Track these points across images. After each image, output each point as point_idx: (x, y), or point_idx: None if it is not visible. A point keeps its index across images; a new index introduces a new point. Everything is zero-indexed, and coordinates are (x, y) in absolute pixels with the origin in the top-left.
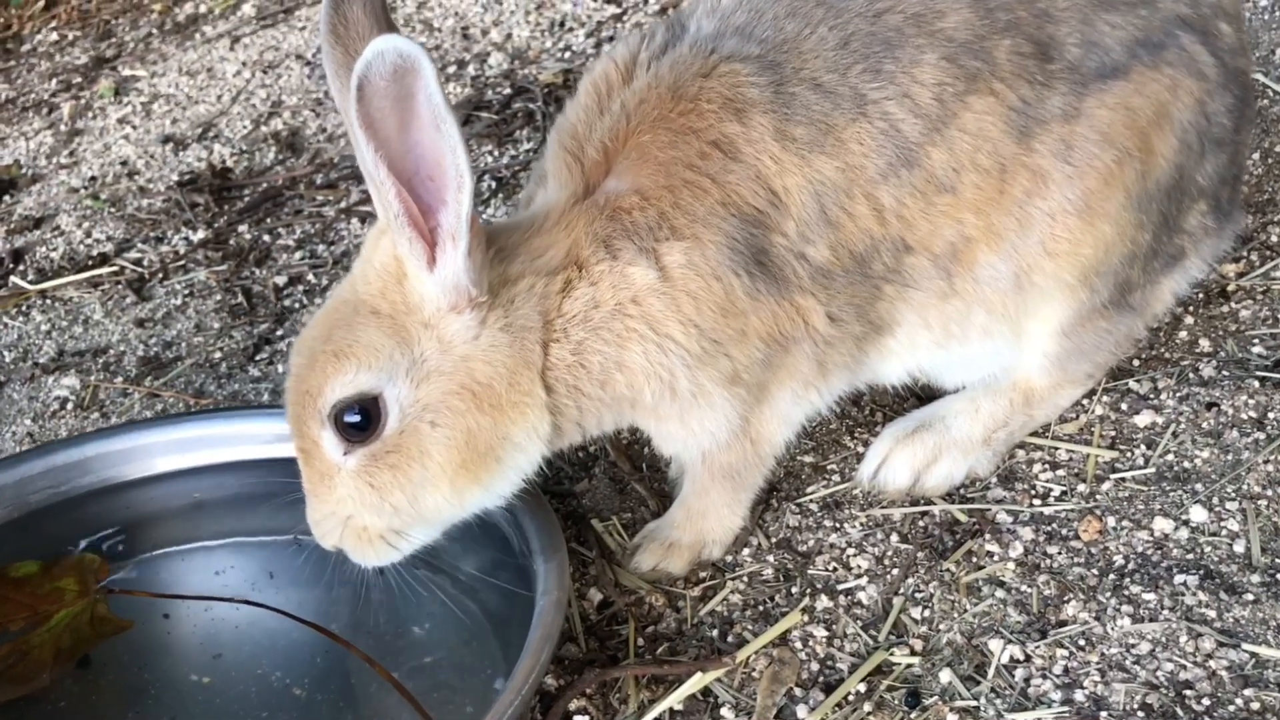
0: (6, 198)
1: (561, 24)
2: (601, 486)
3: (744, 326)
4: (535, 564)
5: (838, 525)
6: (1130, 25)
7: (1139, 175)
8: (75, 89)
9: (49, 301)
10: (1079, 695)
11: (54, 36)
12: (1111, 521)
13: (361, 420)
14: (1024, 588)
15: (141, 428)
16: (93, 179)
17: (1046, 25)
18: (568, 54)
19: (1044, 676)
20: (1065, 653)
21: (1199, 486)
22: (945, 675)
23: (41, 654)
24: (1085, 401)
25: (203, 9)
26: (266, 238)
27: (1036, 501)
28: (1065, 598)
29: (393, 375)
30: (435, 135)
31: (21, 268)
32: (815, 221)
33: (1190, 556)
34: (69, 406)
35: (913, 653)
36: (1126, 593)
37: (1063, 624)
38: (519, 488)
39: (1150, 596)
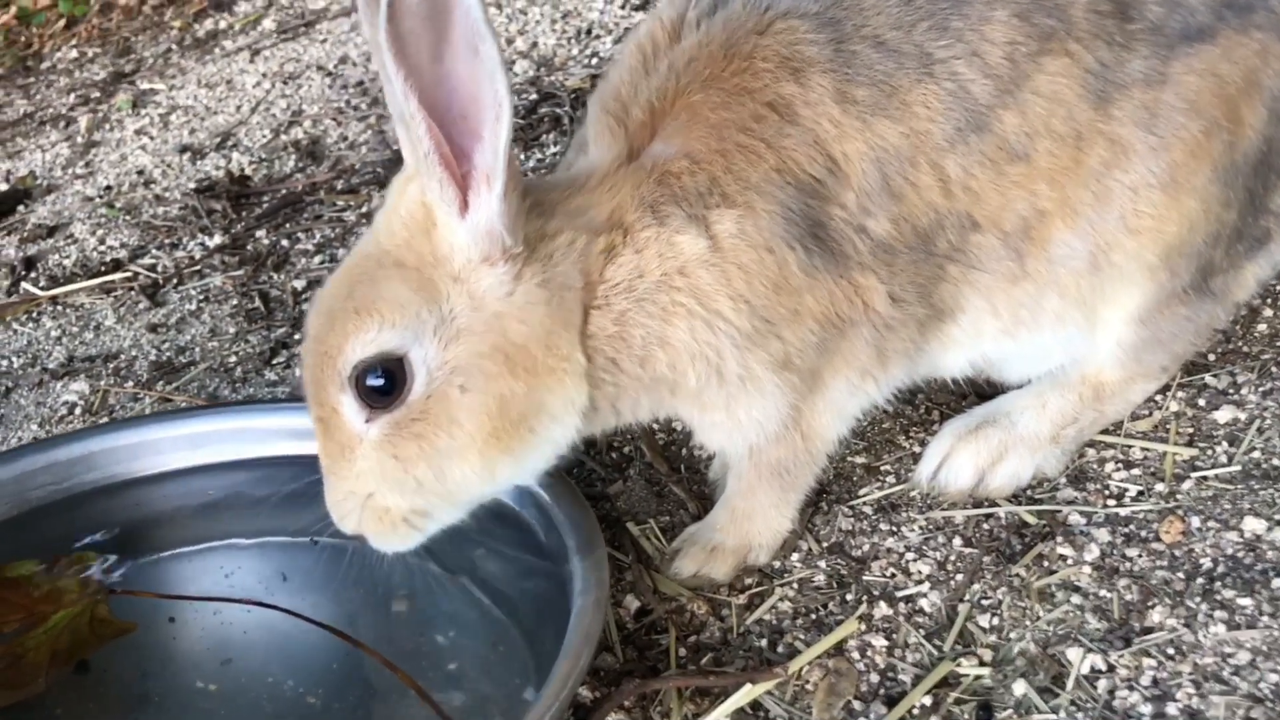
0: (21, 208)
1: (589, 31)
2: (637, 489)
3: (798, 305)
4: (571, 563)
5: (894, 529)
6: None
7: (1227, 147)
8: (93, 103)
9: (60, 308)
10: (1172, 709)
11: (74, 54)
12: (1196, 522)
13: (385, 384)
14: (1103, 592)
15: (148, 422)
16: (108, 188)
17: None
18: (594, 60)
19: (1130, 688)
20: (1153, 662)
21: None
22: (1019, 687)
23: (37, 657)
24: (1159, 398)
25: (222, 25)
26: (285, 242)
27: (1111, 502)
28: (1149, 603)
29: (419, 334)
30: (472, 61)
31: (33, 275)
32: (877, 192)
33: None
34: (77, 411)
35: (982, 663)
36: (1218, 597)
37: (1148, 631)
38: (551, 464)
39: (1246, 601)
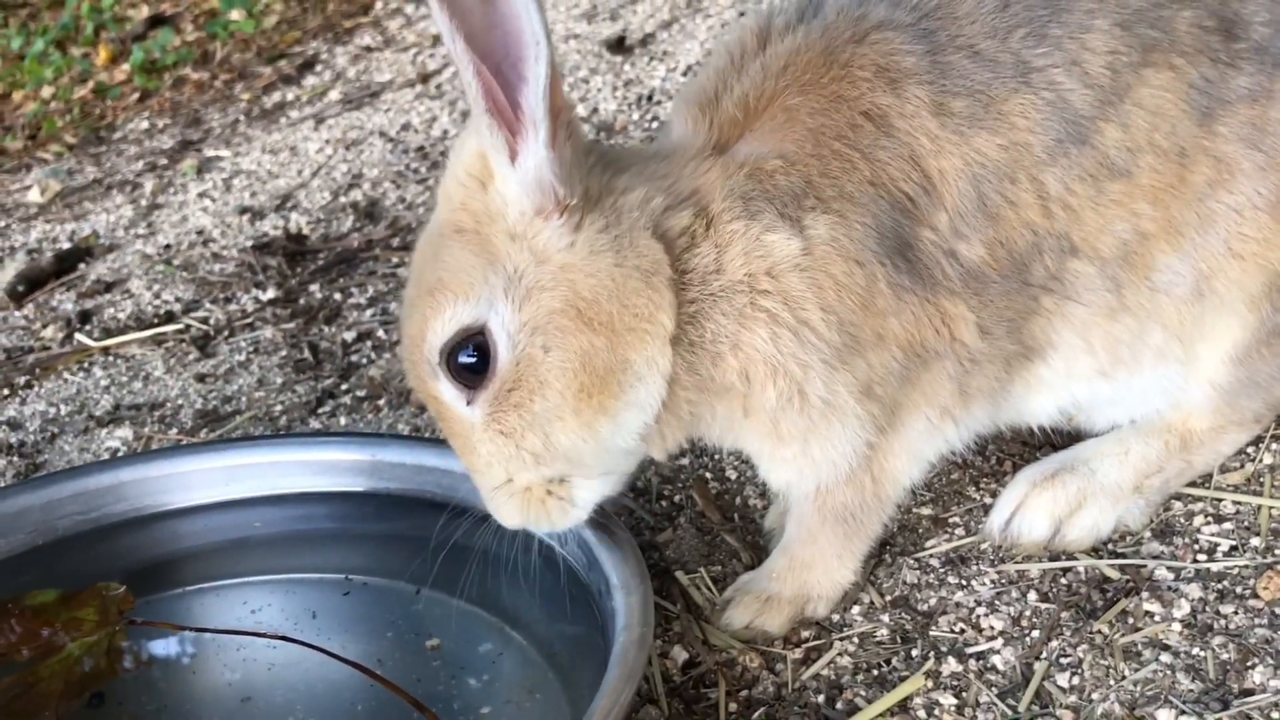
0: (81, 265)
1: (650, 97)
2: (687, 537)
3: (882, 328)
4: (614, 599)
5: (964, 582)
6: None
7: None
8: (159, 169)
9: (111, 358)
10: None
11: (144, 125)
12: None
13: (476, 360)
14: (1195, 651)
15: (180, 454)
16: (167, 246)
17: (1231, 1)
18: (654, 124)
19: None
20: None
21: None
22: None
23: (49, 687)
24: (1250, 450)
25: (290, 97)
26: (338, 296)
27: (1202, 557)
28: (1249, 663)
29: (492, 300)
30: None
31: (88, 327)
32: (972, 212)
33: None
34: (119, 457)
35: None
36: None
37: (1249, 693)
38: (646, 429)
39: None
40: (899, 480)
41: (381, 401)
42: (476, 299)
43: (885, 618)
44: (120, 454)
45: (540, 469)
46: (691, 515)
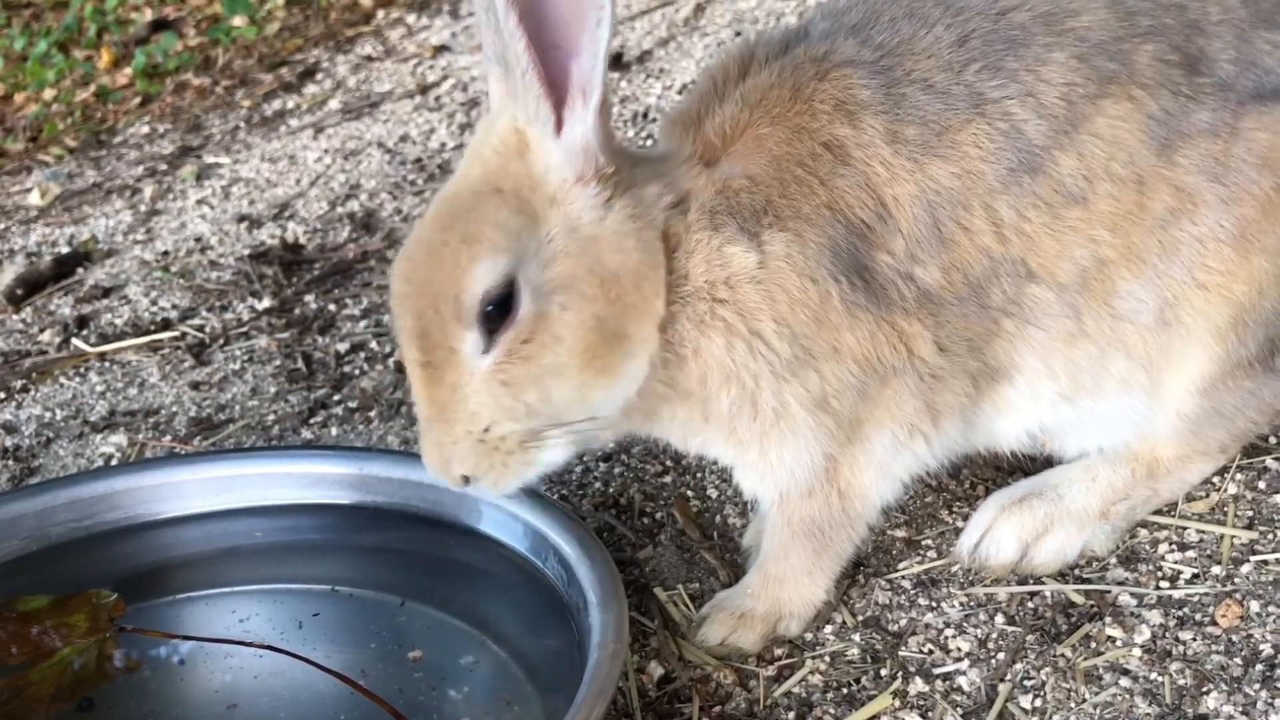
0: (80, 270)
1: (645, 115)
2: (667, 554)
3: (837, 341)
4: (590, 616)
5: (934, 604)
6: None
7: None
8: (159, 175)
9: (107, 364)
10: None
11: (145, 129)
12: (1255, 607)
13: (498, 309)
14: (1154, 676)
15: (172, 464)
16: (165, 253)
17: (1196, 38)
18: (649, 141)
19: None
20: None
21: None
22: None
23: (39, 691)
24: (1216, 479)
25: (290, 105)
26: (332, 307)
27: (1164, 584)
28: (1204, 688)
29: (523, 257)
30: None
31: (85, 332)
32: (927, 238)
33: None
34: (113, 463)
35: None
36: (1279, 685)
37: (1203, 718)
38: (628, 405)
39: None
40: (868, 497)
41: (373, 413)
42: (512, 252)
43: (856, 637)
44: (114, 460)
45: (526, 421)
46: (672, 533)
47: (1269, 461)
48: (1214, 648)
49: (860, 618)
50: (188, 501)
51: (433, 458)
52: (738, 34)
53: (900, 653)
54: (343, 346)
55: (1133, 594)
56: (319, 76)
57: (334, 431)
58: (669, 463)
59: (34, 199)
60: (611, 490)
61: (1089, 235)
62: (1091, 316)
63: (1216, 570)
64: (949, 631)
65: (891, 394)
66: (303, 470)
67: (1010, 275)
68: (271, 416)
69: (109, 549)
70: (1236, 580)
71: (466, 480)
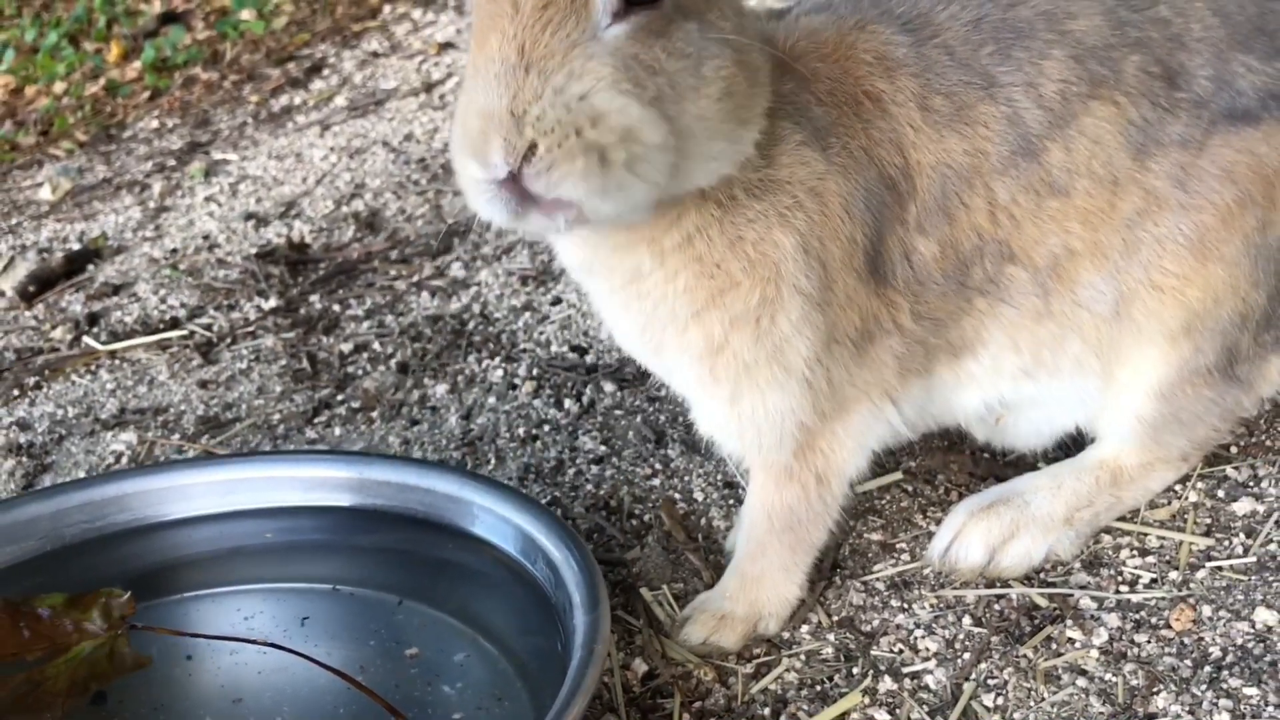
0: (90, 266)
1: None
2: (653, 555)
3: (851, 293)
4: (575, 618)
5: (905, 606)
6: (1266, 74)
7: (1260, 225)
8: (168, 170)
9: (117, 362)
10: None
11: (154, 124)
12: (1207, 611)
13: None
14: (1108, 677)
15: (180, 467)
16: (173, 251)
17: (1178, 52)
18: None
19: None
20: None
21: None
22: None
23: (55, 685)
24: (1178, 488)
25: (297, 101)
26: (336, 307)
27: (1124, 588)
28: (1155, 689)
29: None
30: None
31: (95, 330)
32: (934, 210)
33: None
34: (124, 461)
35: None
36: (1225, 686)
37: (1152, 717)
38: (712, 178)
39: (1252, 691)
40: (844, 472)
41: (374, 414)
42: None
43: (831, 637)
44: (124, 458)
45: (639, 121)
46: (659, 535)
47: (1229, 470)
48: (1166, 650)
49: (835, 618)
50: (195, 503)
51: (491, 117)
52: None
53: (872, 652)
54: (346, 347)
55: (1093, 597)
56: (325, 72)
57: (337, 432)
58: (658, 465)
59: (45, 194)
60: (602, 492)
61: (1064, 226)
62: (1057, 298)
63: (1174, 575)
64: (919, 632)
65: (875, 354)
66: (305, 474)
67: (993, 255)
68: (277, 416)
69: (120, 549)
70: (1192, 585)
71: (525, 155)
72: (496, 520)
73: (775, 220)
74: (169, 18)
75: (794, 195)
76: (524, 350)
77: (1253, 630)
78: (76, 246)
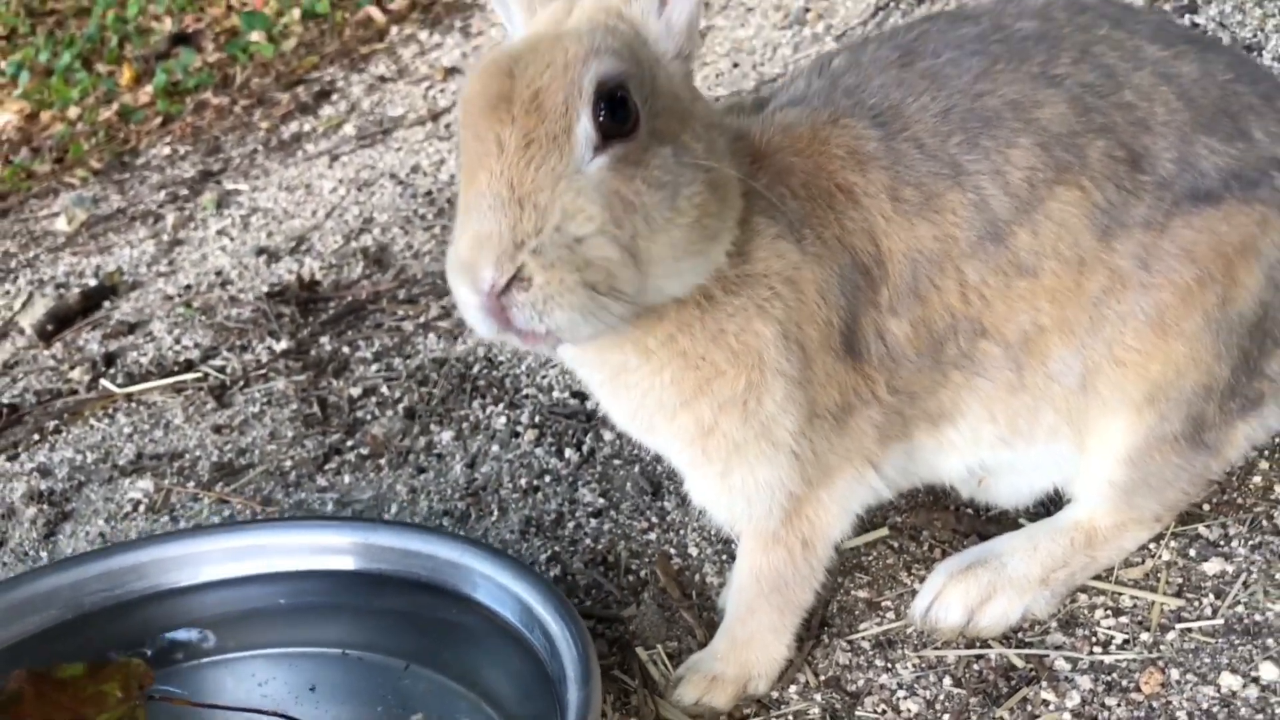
0: (106, 303)
1: None
2: (649, 613)
3: (830, 370)
4: (568, 691)
5: (889, 665)
6: (1228, 154)
7: (1220, 301)
8: (180, 201)
9: (134, 405)
10: None
11: (166, 150)
12: (1175, 674)
13: (611, 112)
14: None
15: (194, 535)
16: (187, 287)
17: (1143, 135)
18: None
19: None
20: None
21: (1270, 642)
22: None
23: None
24: (1152, 546)
25: (306, 128)
26: (346, 349)
27: (1097, 649)
28: None
29: (639, 77)
30: None
31: (112, 371)
32: (906, 293)
33: (1260, 717)
34: (141, 509)
35: None
36: None
37: None
38: (686, 291)
39: None
40: (829, 535)
41: (382, 461)
42: (626, 61)
43: (818, 697)
44: (141, 506)
45: (617, 254)
46: (655, 591)
47: (1201, 529)
48: (1135, 713)
49: (822, 678)
50: (209, 569)
51: (487, 238)
52: (735, 65)
53: (856, 712)
54: (355, 391)
55: (1067, 658)
56: (334, 97)
57: (346, 479)
58: (654, 519)
59: (61, 225)
60: (600, 546)
61: (1033, 304)
62: (1030, 371)
63: (1145, 637)
64: (901, 693)
65: (855, 425)
66: (313, 540)
67: (966, 333)
68: (289, 463)
69: (138, 615)
70: (1162, 647)
71: (507, 285)
72: (496, 588)
73: (754, 312)
74: (180, 38)
75: (771, 286)
76: (526, 396)
77: (1217, 695)
78: (93, 282)
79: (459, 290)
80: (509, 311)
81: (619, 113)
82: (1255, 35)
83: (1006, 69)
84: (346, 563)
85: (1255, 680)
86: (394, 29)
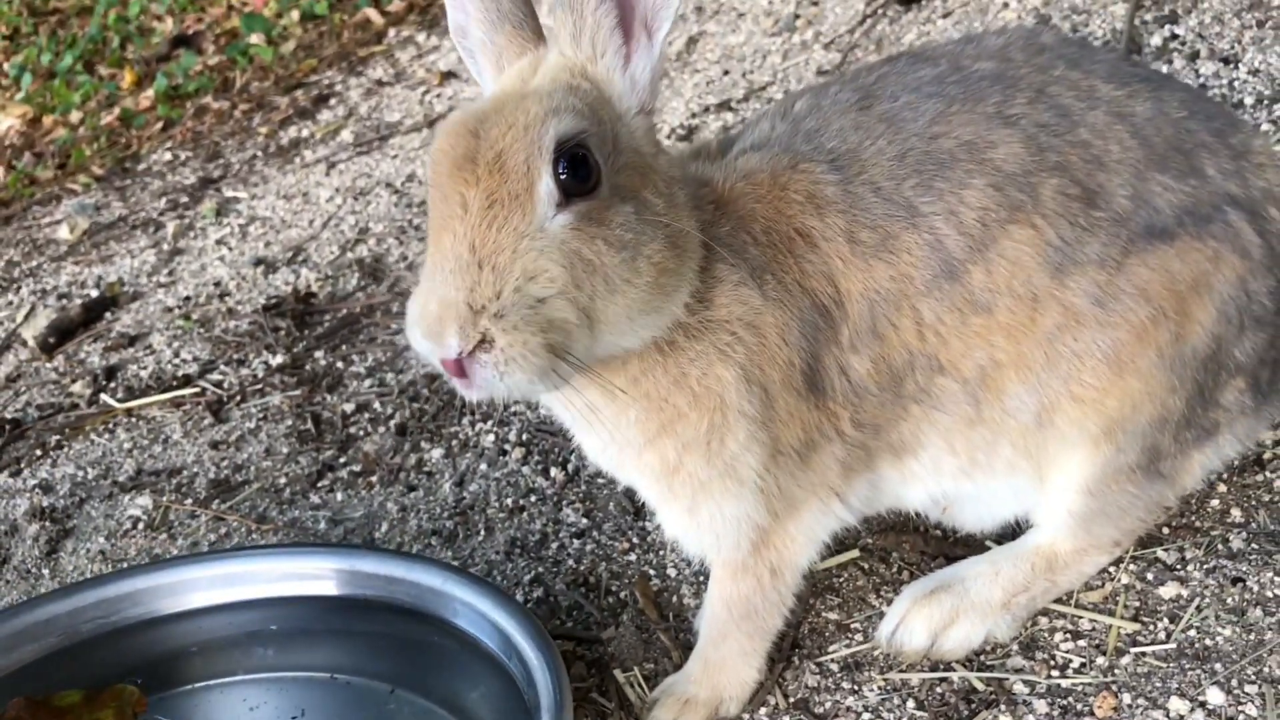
0: (108, 314)
1: None
2: (627, 635)
3: (793, 410)
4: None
5: (856, 688)
6: (1181, 191)
7: (1173, 338)
8: (181, 208)
9: (134, 420)
10: None
11: (168, 156)
12: (1127, 699)
13: (573, 172)
14: None
15: (186, 563)
16: (187, 299)
17: (1097, 173)
18: None
19: None
20: None
21: (1218, 666)
22: None
23: None
24: (1112, 569)
25: (304, 134)
26: (340, 364)
27: (1055, 673)
28: None
29: (600, 137)
30: None
31: (112, 385)
32: (865, 332)
33: None
34: (140, 526)
35: None
36: None
37: None
38: (642, 345)
39: None
40: (797, 564)
41: (374, 478)
42: (587, 120)
43: (787, 719)
44: (140, 523)
45: (576, 315)
46: (633, 612)
47: (1159, 552)
48: None
49: (791, 700)
50: (202, 595)
51: (448, 306)
52: (725, 72)
53: None
54: (349, 406)
55: (1026, 682)
56: (332, 102)
57: (339, 496)
58: (635, 539)
59: (63, 233)
60: (582, 568)
61: (989, 340)
62: (987, 406)
63: (1101, 661)
64: (866, 716)
65: (819, 460)
66: (301, 567)
67: (924, 369)
68: (283, 479)
69: (134, 641)
70: (1116, 671)
71: (472, 349)
72: (476, 615)
73: (716, 357)
74: (180, 41)
75: (732, 331)
76: (514, 413)
77: (1166, 719)
78: (94, 293)
79: (420, 346)
80: (470, 371)
81: (580, 170)
82: (1233, 47)
83: (962, 110)
84: (333, 588)
85: (1202, 705)
86: (391, 31)
